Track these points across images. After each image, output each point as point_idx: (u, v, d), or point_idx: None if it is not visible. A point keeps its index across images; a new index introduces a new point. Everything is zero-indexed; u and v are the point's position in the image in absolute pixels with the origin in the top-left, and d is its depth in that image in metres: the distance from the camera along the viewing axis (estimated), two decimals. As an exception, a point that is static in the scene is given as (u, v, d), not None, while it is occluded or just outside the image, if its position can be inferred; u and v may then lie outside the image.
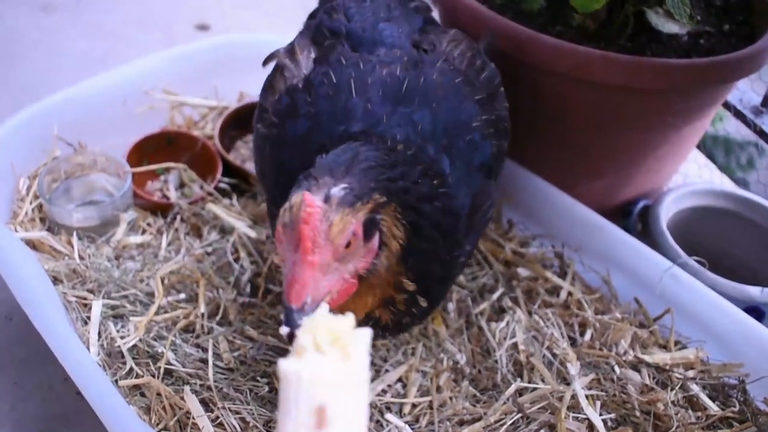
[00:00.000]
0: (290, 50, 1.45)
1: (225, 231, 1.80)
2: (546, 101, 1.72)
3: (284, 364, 0.69)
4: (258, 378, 1.49)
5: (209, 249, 1.75)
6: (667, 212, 1.94)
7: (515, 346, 1.60)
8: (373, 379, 1.52)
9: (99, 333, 1.51)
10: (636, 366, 1.56)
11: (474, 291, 1.72)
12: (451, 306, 1.67)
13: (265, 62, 1.51)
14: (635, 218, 2.00)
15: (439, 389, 1.52)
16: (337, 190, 1.00)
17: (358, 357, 0.70)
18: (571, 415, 1.45)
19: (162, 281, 1.62)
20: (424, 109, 1.30)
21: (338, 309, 1.18)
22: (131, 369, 1.45)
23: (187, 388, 1.42)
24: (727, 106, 2.06)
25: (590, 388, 1.51)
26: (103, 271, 1.63)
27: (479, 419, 1.46)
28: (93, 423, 1.34)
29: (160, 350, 1.49)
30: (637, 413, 1.46)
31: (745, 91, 2.08)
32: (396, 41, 1.43)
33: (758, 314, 1.74)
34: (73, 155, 1.82)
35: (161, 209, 1.84)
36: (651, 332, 1.63)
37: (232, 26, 2.90)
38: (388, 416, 1.46)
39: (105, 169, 1.84)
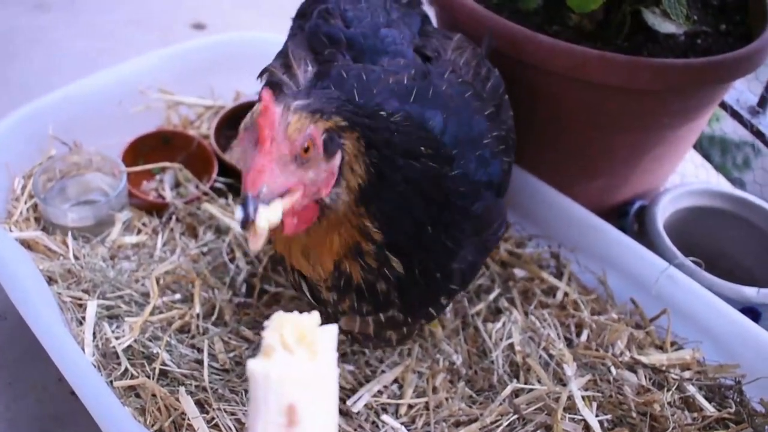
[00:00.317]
0: (286, 64, 1.42)
1: (221, 231, 1.80)
2: (542, 101, 1.72)
3: (252, 364, 0.69)
4: (253, 379, 1.49)
5: (205, 249, 1.75)
6: (663, 213, 1.94)
7: (511, 346, 1.59)
8: (368, 380, 1.52)
9: (94, 333, 1.50)
10: (632, 367, 1.55)
11: (470, 292, 1.71)
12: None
13: (260, 76, 1.47)
14: (632, 219, 2.00)
15: (435, 390, 1.52)
16: (297, 101, 1.02)
17: (325, 354, 0.71)
18: (568, 416, 1.45)
19: (157, 281, 1.62)
20: (436, 110, 1.30)
21: (304, 261, 1.18)
22: (126, 370, 1.45)
23: (182, 389, 1.41)
24: (723, 106, 2.07)
25: (586, 389, 1.51)
26: (98, 271, 1.62)
27: (475, 420, 1.46)
28: (87, 423, 1.34)
29: (155, 351, 1.48)
30: (634, 414, 1.46)
31: (741, 91, 2.09)
32: (399, 48, 1.42)
33: (754, 315, 1.74)
34: (69, 154, 1.81)
35: (156, 209, 1.83)
36: (647, 333, 1.63)
37: (228, 25, 2.89)
38: (384, 417, 1.46)
39: (100, 168, 1.83)
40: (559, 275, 1.77)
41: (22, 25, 2.75)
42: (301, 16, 1.55)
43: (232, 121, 2.04)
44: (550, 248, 1.82)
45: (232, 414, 1.40)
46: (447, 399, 1.51)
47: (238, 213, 0.95)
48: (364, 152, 1.08)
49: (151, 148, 1.93)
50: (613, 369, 1.54)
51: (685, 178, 2.32)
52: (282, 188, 0.99)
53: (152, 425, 1.38)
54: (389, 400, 1.50)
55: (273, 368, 0.69)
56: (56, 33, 2.73)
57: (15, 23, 2.75)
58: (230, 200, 1.87)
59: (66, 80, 1.92)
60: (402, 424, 1.45)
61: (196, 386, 1.44)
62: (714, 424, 1.47)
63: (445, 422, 1.47)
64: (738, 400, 1.50)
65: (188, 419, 1.37)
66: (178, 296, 1.63)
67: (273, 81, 1.39)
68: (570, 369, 1.52)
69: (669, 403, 1.48)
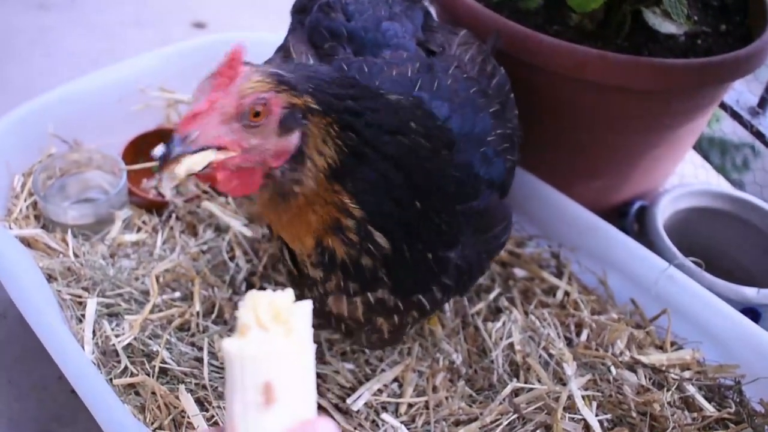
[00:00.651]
0: (286, 58, 1.41)
1: (220, 229, 1.80)
2: (543, 101, 1.72)
3: (227, 344, 0.68)
4: (253, 377, 1.48)
5: (204, 247, 1.75)
6: (663, 213, 1.94)
7: (511, 346, 1.59)
8: (368, 379, 1.52)
9: (93, 331, 1.50)
10: (632, 367, 1.55)
11: (470, 291, 1.71)
12: (447, 306, 1.67)
13: None
14: (632, 219, 2.00)
15: (435, 389, 1.52)
16: (270, 68, 1.00)
17: (300, 330, 0.70)
18: (567, 415, 1.45)
19: (157, 279, 1.62)
20: (442, 102, 1.29)
21: (285, 233, 1.16)
22: (126, 368, 1.45)
23: (182, 386, 1.41)
24: (723, 107, 2.07)
25: (586, 389, 1.51)
26: (97, 269, 1.62)
27: (475, 419, 1.46)
28: (87, 422, 1.34)
29: (155, 349, 1.48)
30: (633, 414, 1.46)
31: (741, 92, 2.09)
32: (401, 42, 1.41)
33: (754, 315, 1.74)
34: (69, 153, 1.81)
35: (156, 207, 1.83)
36: (647, 333, 1.63)
37: (228, 24, 2.89)
38: (384, 416, 1.46)
39: (100, 166, 1.83)
40: (559, 275, 1.77)
41: (22, 25, 2.75)
42: (301, 11, 1.54)
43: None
44: (550, 248, 1.82)
45: (232, 412, 1.40)
46: (447, 398, 1.51)
47: (159, 150, 0.94)
48: (335, 135, 1.05)
49: (151, 146, 1.87)
50: (613, 369, 1.54)
51: (684, 179, 2.32)
52: (214, 141, 0.97)
53: (152, 423, 1.37)
54: (389, 399, 1.50)
55: (248, 346, 0.68)
56: (56, 32, 2.73)
57: (15, 22, 2.75)
58: (230, 198, 1.87)
59: (66, 79, 1.92)
60: (402, 422, 1.45)
61: (196, 384, 1.44)
62: (714, 424, 1.47)
63: (445, 421, 1.46)
64: (738, 400, 1.50)
65: (188, 417, 1.37)
66: (177, 294, 1.63)
67: None
68: (570, 368, 1.52)
69: (669, 403, 1.47)
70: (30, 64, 2.56)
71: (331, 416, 1.44)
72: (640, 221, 1.98)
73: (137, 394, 1.42)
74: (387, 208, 1.12)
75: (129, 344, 1.49)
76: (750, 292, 1.75)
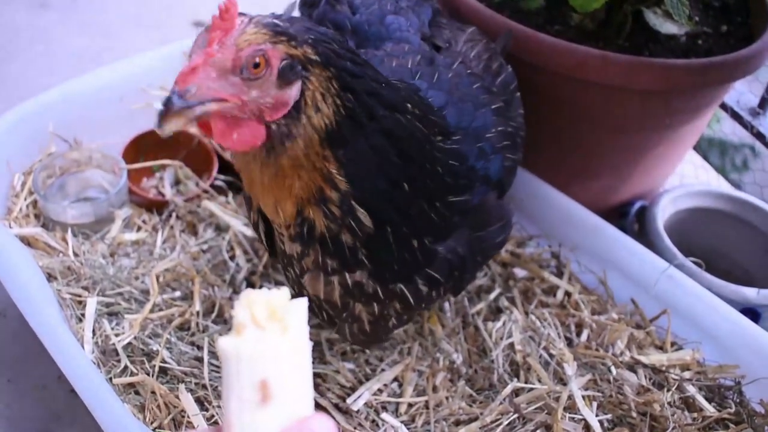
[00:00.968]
0: None
1: (221, 228, 1.80)
2: (543, 100, 1.72)
3: (223, 342, 0.68)
4: (253, 377, 1.48)
5: (205, 246, 1.75)
6: (663, 213, 1.94)
7: (512, 346, 1.59)
8: (368, 378, 1.52)
9: (93, 330, 1.50)
10: (632, 367, 1.55)
11: (471, 291, 1.71)
12: (447, 305, 1.67)
13: None
14: (632, 219, 2.00)
15: (435, 389, 1.52)
16: (266, 19, 0.98)
17: (296, 327, 0.69)
18: (568, 415, 1.45)
19: (157, 279, 1.61)
20: (438, 92, 1.27)
21: (265, 197, 1.12)
22: (126, 367, 1.44)
23: (182, 386, 1.41)
24: (724, 107, 2.07)
25: (587, 389, 1.50)
26: (97, 268, 1.62)
27: (475, 419, 1.46)
28: (87, 421, 1.34)
29: (154, 348, 1.48)
30: (634, 414, 1.46)
31: (742, 93, 2.09)
32: (404, 35, 1.40)
33: (754, 316, 1.74)
34: (69, 151, 1.81)
35: (156, 206, 1.83)
36: (647, 333, 1.63)
37: (228, 23, 2.88)
38: (384, 416, 1.46)
39: (100, 165, 1.83)
40: (559, 275, 1.76)
41: (22, 23, 2.75)
42: (310, 5, 1.53)
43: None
44: (550, 248, 1.82)
45: (232, 411, 1.40)
46: (447, 398, 1.51)
47: (159, 106, 0.94)
48: (335, 93, 1.02)
49: (152, 145, 1.93)
50: (613, 369, 1.54)
51: (684, 179, 2.32)
52: (213, 94, 0.96)
53: (152, 422, 1.37)
54: (389, 399, 1.50)
55: (244, 345, 0.67)
56: (57, 31, 2.73)
57: (15, 21, 2.75)
58: (230, 198, 1.86)
59: (66, 78, 1.91)
60: (402, 422, 1.45)
61: (196, 383, 1.44)
62: (714, 424, 1.47)
63: (445, 421, 1.46)
64: (738, 400, 1.50)
65: (188, 416, 1.37)
66: (178, 294, 1.63)
67: None
68: (570, 368, 1.52)
69: (669, 403, 1.47)
70: (30, 63, 2.56)
71: (331, 416, 1.44)
72: (640, 221, 1.98)
73: (137, 393, 1.42)
74: (375, 184, 1.10)
75: (129, 343, 1.49)
76: (750, 293, 1.75)
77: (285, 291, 0.71)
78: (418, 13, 1.49)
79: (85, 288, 1.58)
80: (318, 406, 1.46)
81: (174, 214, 1.80)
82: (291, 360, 0.70)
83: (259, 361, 0.68)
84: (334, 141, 1.05)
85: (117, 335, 1.49)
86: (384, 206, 1.12)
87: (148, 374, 1.43)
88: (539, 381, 1.52)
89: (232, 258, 1.73)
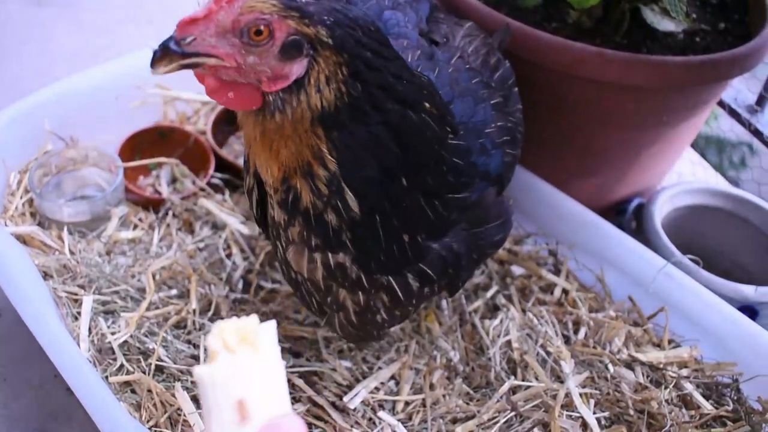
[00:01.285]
0: None
1: (217, 227, 1.79)
2: (541, 98, 1.71)
3: (198, 370, 0.71)
4: (250, 375, 1.48)
5: (201, 245, 1.74)
6: (661, 210, 1.94)
7: (509, 343, 1.59)
8: (365, 377, 1.52)
9: (89, 329, 1.49)
10: (630, 364, 1.55)
11: (468, 289, 1.71)
12: (444, 303, 1.67)
13: None
14: (629, 216, 2.00)
15: (432, 387, 1.52)
16: None
17: (267, 347, 0.73)
18: (565, 413, 1.45)
19: (153, 277, 1.61)
20: (442, 86, 1.26)
21: (257, 153, 1.11)
22: (122, 365, 1.44)
23: (178, 384, 1.41)
24: (721, 104, 2.07)
25: (584, 387, 1.50)
26: (93, 267, 1.61)
27: (472, 417, 1.45)
28: (84, 420, 1.34)
29: (151, 346, 1.47)
30: (631, 412, 1.46)
31: (740, 90, 2.09)
32: (402, 31, 1.39)
33: (752, 313, 1.74)
34: (65, 150, 1.81)
35: (153, 204, 1.82)
36: (645, 330, 1.63)
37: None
38: (381, 414, 1.46)
39: (96, 163, 1.82)
40: (556, 273, 1.76)
41: (18, 21, 2.74)
42: None
43: (229, 116, 2.03)
44: (547, 245, 1.82)
45: (229, 410, 1.40)
46: (444, 396, 1.50)
47: (155, 47, 0.95)
48: (342, 80, 1.01)
49: (148, 143, 1.93)
50: (610, 366, 1.54)
51: (682, 177, 2.32)
52: (209, 49, 0.97)
53: (148, 421, 1.37)
54: (386, 397, 1.49)
55: (217, 370, 0.71)
56: (53, 29, 2.72)
57: (11, 18, 2.74)
58: (227, 196, 1.86)
59: (63, 76, 1.91)
60: (399, 420, 1.45)
61: (192, 382, 1.44)
62: (711, 421, 1.47)
63: (442, 419, 1.46)
64: (735, 398, 1.50)
65: (184, 415, 1.36)
66: (174, 292, 1.62)
67: None
68: (567, 366, 1.52)
69: (666, 401, 1.47)
70: (27, 61, 2.55)
71: (328, 414, 1.44)
72: (637, 219, 1.98)
73: (133, 392, 1.42)
74: (368, 172, 1.08)
75: (125, 342, 1.48)
76: (747, 290, 1.75)
77: (254, 317, 0.74)
78: (416, 8, 1.48)
79: (81, 286, 1.58)
80: (315, 405, 1.46)
81: (170, 212, 1.80)
82: (264, 377, 0.73)
83: (233, 383, 0.71)
84: (329, 123, 1.04)
85: (113, 333, 1.49)
86: (375, 195, 1.11)
87: (144, 372, 1.43)
88: (536, 379, 1.52)
89: (229, 256, 1.73)
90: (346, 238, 1.13)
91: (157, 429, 1.36)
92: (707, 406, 1.48)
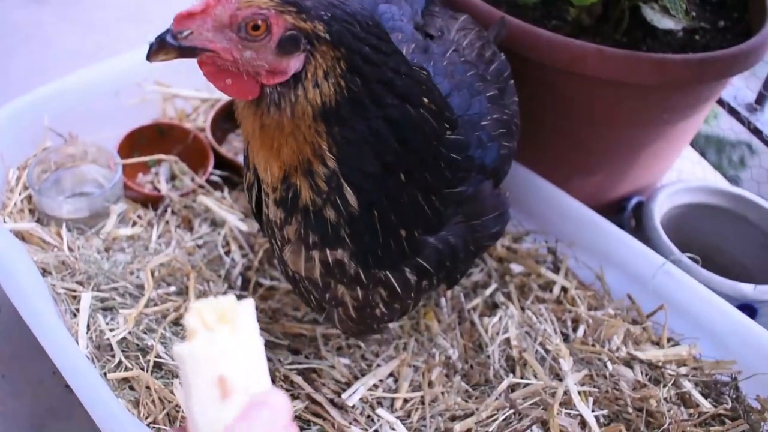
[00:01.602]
0: None
1: (216, 224, 1.79)
2: (540, 95, 1.71)
3: (177, 348, 0.71)
4: (248, 372, 1.48)
5: (200, 242, 1.74)
6: (660, 209, 1.94)
7: (508, 341, 1.59)
8: (364, 374, 1.52)
9: (88, 325, 1.49)
10: (629, 362, 1.55)
11: (467, 287, 1.71)
12: (443, 301, 1.67)
13: None
14: (629, 214, 2.00)
15: (430, 384, 1.51)
16: None
17: (245, 325, 0.73)
18: (564, 411, 1.45)
19: (152, 274, 1.61)
20: (441, 78, 1.26)
21: (258, 151, 1.11)
22: (120, 362, 1.44)
23: (176, 381, 1.41)
24: (721, 103, 2.06)
25: (583, 384, 1.50)
26: (92, 263, 1.61)
27: (471, 414, 1.45)
28: (83, 416, 1.33)
29: (149, 343, 1.47)
30: (630, 410, 1.46)
31: (739, 88, 2.08)
32: (397, 24, 1.38)
33: (751, 311, 1.74)
34: (64, 146, 1.80)
35: (152, 201, 1.82)
36: (644, 329, 1.63)
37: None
38: (380, 411, 1.45)
39: (95, 160, 1.82)
40: (556, 270, 1.76)
41: (18, 19, 2.73)
42: None
43: (228, 114, 2.02)
44: (547, 243, 1.81)
45: (227, 407, 1.39)
46: (443, 393, 1.50)
47: (151, 40, 0.96)
48: (340, 74, 1.01)
49: (147, 140, 1.92)
50: (609, 364, 1.54)
51: (681, 175, 2.32)
52: (205, 44, 0.98)
53: (146, 417, 1.37)
54: (384, 394, 1.49)
55: (197, 347, 0.71)
56: (53, 27, 2.72)
57: (11, 17, 2.74)
58: (226, 193, 1.86)
59: (62, 74, 1.90)
60: (397, 418, 1.45)
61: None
62: (710, 420, 1.47)
63: (440, 416, 1.46)
64: (734, 396, 1.50)
65: (182, 411, 1.36)
66: (173, 288, 1.62)
67: None
68: (566, 364, 1.52)
69: (665, 399, 1.47)
70: (26, 60, 2.55)
71: (327, 411, 1.44)
72: (637, 217, 1.98)
73: (131, 388, 1.42)
74: (368, 167, 1.09)
75: (123, 338, 1.48)
76: (747, 289, 1.75)
77: (231, 296, 0.74)
78: (411, 2, 1.48)
79: (80, 283, 1.57)
80: (313, 402, 1.46)
81: (169, 209, 1.79)
82: (244, 355, 0.73)
83: (213, 360, 0.71)
84: (330, 118, 1.04)
85: (111, 330, 1.49)
86: (374, 190, 1.11)
87: (142, 369, 1.43)
88: (535, 376, 1.52)
89: (228, 253, 1.72)
90: (344, 233, 1.13)
91: (156, 425, 1.36)
92: (706, 405, 1.48)
